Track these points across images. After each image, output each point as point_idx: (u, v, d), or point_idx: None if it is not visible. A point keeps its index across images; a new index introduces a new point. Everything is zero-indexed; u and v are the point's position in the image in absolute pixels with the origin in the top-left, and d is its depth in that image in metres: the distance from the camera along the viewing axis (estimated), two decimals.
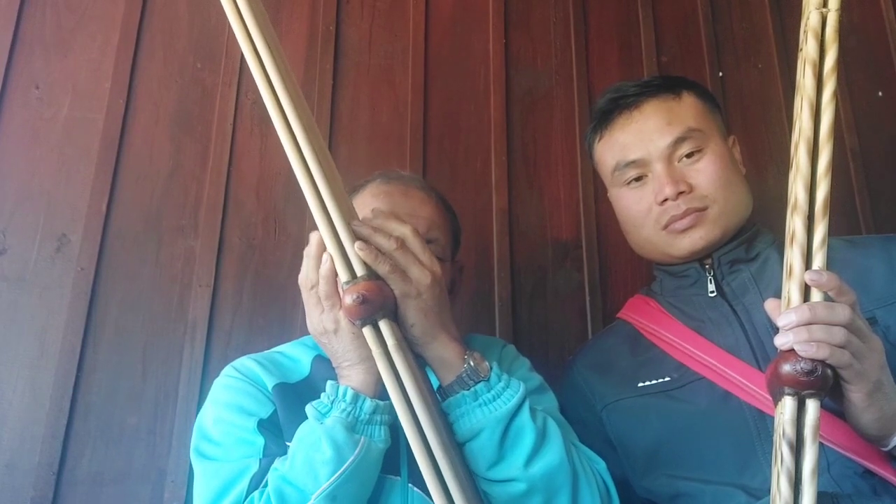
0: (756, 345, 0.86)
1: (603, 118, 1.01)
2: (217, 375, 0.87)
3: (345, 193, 0.73)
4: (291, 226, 1.26)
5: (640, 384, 0.92)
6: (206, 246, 1.21)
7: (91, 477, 1.06)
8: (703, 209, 0.92)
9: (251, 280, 1.21)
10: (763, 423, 0.81)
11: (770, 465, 0.78)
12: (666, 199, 0.92)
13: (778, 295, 0.88)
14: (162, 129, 1.26)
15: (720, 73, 1.56)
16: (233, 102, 1.29)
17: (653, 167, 0.94)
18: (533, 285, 1.34)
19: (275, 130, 1.33)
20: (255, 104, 1.31)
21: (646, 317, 1.00)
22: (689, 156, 0.94)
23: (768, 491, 0.76)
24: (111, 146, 1.21)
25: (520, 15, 1.51)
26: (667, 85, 0.99)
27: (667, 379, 0.90)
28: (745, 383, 0.83)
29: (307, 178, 0.70)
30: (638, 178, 0.96)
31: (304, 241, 1.24)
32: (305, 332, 1.14)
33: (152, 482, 1.07)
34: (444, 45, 1.45)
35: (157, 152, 1.24)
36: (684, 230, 0.92)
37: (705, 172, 0.93)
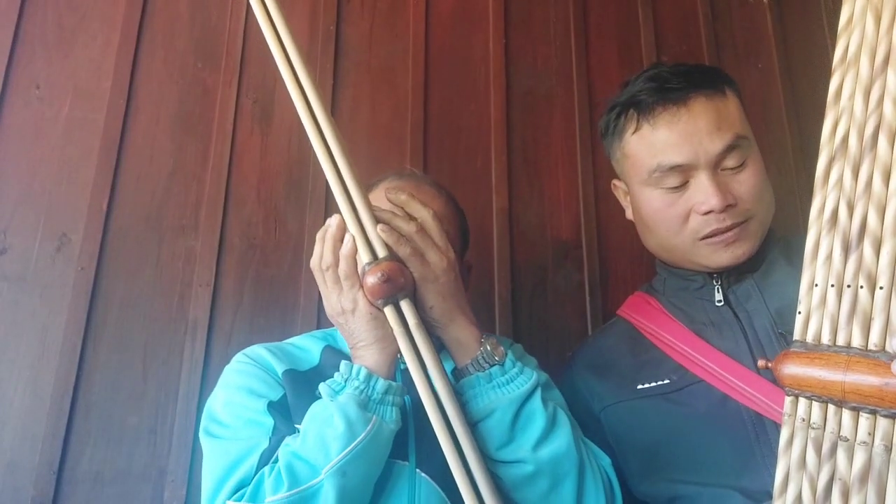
0: (756, 350, 0.85)
1: (641, 108, 0.91)
2: (218, 375, 0.87)
3: (361, 180, 0.75)
4: (292, 225, 1.26)
5: (640, 386, 0.91)
6: (207, 245, 1.21)
7: (92, 476, 1.06)
8: (745, 222, 0.89)
9: (252, 279, 1.22)
10: (762, 427, 0.81)
11: (768, 468, 0.78)
12: (711, 211, 0.87)
13: (782, 299, 0.89)
14: (163, 129, 1.26)
15: (725, 73, 1.56)
16: (233, 102, 1.29)
17: (697, 174, 0.88)
18: (533, 285, 1.34)
19: (275, 129, 1.35)
20: (256, 104, 1.31)
21: (646, 317, 0.99)
22: (732, 167, 0.89)
23: (767, 494, 0.77)
24: (112, 146, 1.21)
25: (520, 14, 1.51)
26: (710, 79, 0.92)
27: (666, 381, 0.90)
28: (745, 387, 0.82)
29: (329, 161, 0.73)
30: (677, 186, 0.90)
31: (304, 241, 1.25)
32: (305, 331, 1.15)
33: (153, 481, 1.07)
34: (445, 45, 1.45)
35: (157, 152, 1.24)
36: (727, 245, 0.89)
37: (748, 184, 0.88)
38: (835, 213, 0.60)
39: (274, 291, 1.22)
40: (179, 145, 1.25)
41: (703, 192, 0.88)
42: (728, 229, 0.88)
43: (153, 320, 1.15)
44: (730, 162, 0.88)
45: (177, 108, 1.27)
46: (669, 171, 0.89)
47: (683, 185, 0.90)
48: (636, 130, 0.93)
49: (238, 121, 1.29)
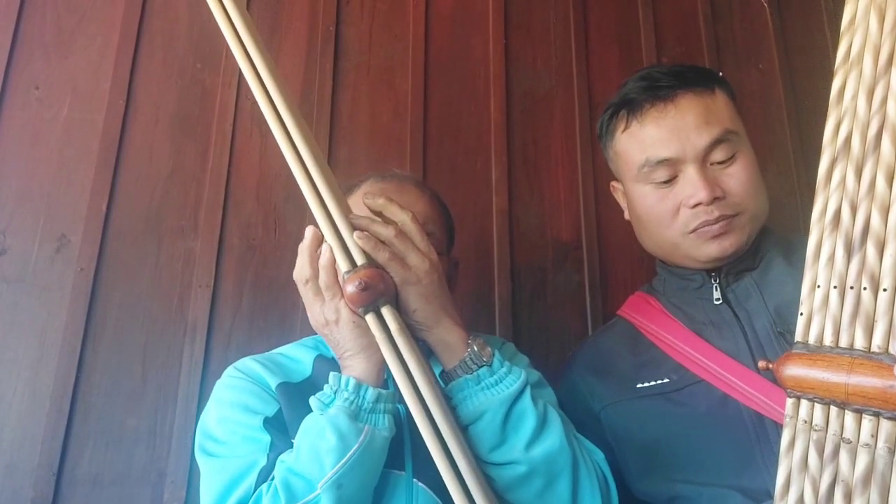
0: (756, 349, 0.85)
1: (631, 107, 0.93)
2: (217, 376, 0.86)
3: (338, 187, 0.74)
4: (291, 226, 1.26)
5: (640, 385, 0.91)
6: (206, 246, 1.21)
7: (91, 478, 1.06)
8: (734, 216, 0.89)
9: (251, 280, 1.21)
10: (762, 427, 0.80)
11: (768, 468, 0.78)
12: (699, 203, 0.88)
13: (780, 297, 0.89)
14: (162, 130, 1.26)
15: (720, 74, 1.56)
16: (233, 103, 1.29)
17: (685, 168, 0.89)
18: (533, 286, 1.34)
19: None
20: (255, 104, 1.30)
21: (646, 317, 0.99)
22: (721, 161, 0.90)
23: (767, 494, 0.77)
24: (111, 147, 1.21)
25: (520, 15, 1.51)
26: (700, 78, 0.93)
27: (666, 381, 0.90)
28: (744, 387, 0.82)
29: (302, 171, 0.72)
30: (667, 181, 0.91)
31: None
32: (305, 332, 1.15)
33: (152, 483, 1.07)
34: (444, 46, 1.45)
35: (156, 153, 1.24)
36: (714, 237, 0.89)
37: (738, 178, 0.89)
38: (837, 214, 0.60)
39: (273, 292, 1.22)
40: (179, 146, 1.25)
41: (691, 185, 0.89)
42: (716, 221, 0.88)
43: (152, 321, 1.15)
44: (718, 156, 0.89)
45: (176, 109, 1.27)
46: (658, 165, 0.90)
47: (673, 180, 0.91)
48: (626, 128, 0.94)
49: (237, 122, 1.29)
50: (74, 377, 1.09)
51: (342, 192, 0.76)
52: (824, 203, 0.62)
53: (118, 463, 1.07)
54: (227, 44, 1.31)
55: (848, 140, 0.60)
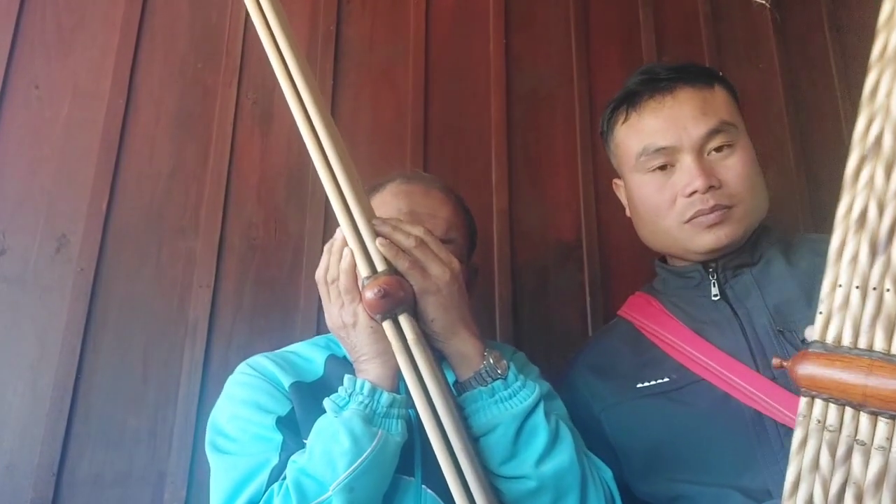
0: (756, 348, 0.85)
1: (631, 99, 0.96)
2: (218, 376, 0.86)
3: (363, 192, 0.74)
4: (292, 226, 1.26)
5: (640, 385, 0.92)
6: (207, 246, 1.20)
7: (91, 478, 1.06)
8: (730, 207, 0.90)
9: (252, 281, 1.21)
10: (762, 426, 0.80)
11: (768, 467, 0.78)
12: (695, 192, 0.89)
13: (780, 296, 0.89)
14: (162, 130, 1.25)
15: (721, 73, 1.56)
16: (233, 102, 1.29)
17: (682, 157, 0.91)
18: (534, 286, 1.34)
19: (275, 130, 1.34)
20: (256, 104, 1.31)
21: (647, 316, 0.99)
22: (718, 150, 0.91)
23: (767, 493, 0.77)
24: (111, 146, 1.21)
25: (521, 15, 1.51)
26: (700, 73, 0.96)
27: (666, 380, 0.90)
28: (745, 386, 0.83)
29: (329, 175, 0.72)
30: (663, 167, 0.93)
31: (304, 242, 1.25)
32: (306, 332, 1.15)
33: (153, 484, 1.07)
34: (445, 46, 1.44)
35: (157, 152, 1.24)
36: (709, 226, 0.90)
37: (735, 169, 0.90)
38: (864, 213, 0.59)
39: (274, 292, 1.21)
40: (179, 146, 1.25)
41: (687, 173, 0.90)
42: (711, 210, 0.89)
43: (153, 321, 1.15)
44: (715, 146, 0.91)
45: (176, 109, 1.27)
46: (655, 154, 0.93)
47: (670, 170, 0.93)
48: (625, 121, 0.97)
49: (238, 121, 1.29)
50: (75, 377, 1.08)
51: (366, 193, 0.76)
52: (850, 201, 0.60)
53: (118, 463, 1.07)
54: (228, 43, 1.32)
55: (879, 139, 0.59)
